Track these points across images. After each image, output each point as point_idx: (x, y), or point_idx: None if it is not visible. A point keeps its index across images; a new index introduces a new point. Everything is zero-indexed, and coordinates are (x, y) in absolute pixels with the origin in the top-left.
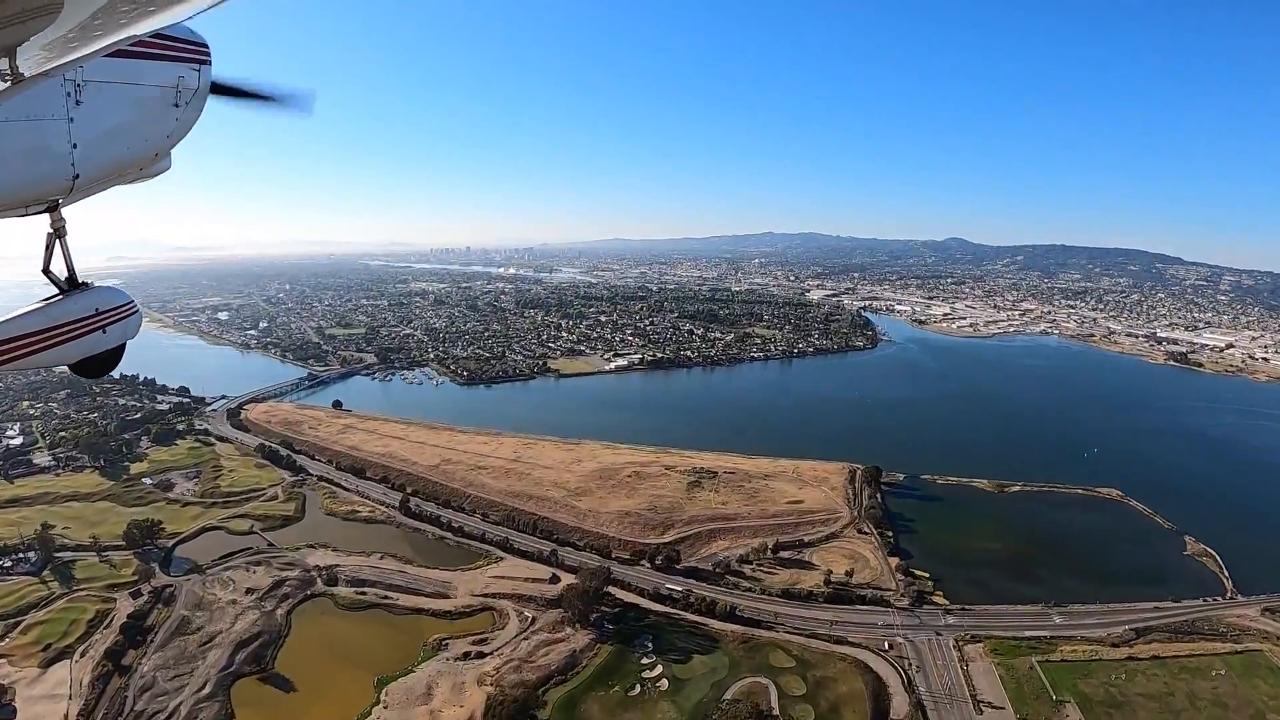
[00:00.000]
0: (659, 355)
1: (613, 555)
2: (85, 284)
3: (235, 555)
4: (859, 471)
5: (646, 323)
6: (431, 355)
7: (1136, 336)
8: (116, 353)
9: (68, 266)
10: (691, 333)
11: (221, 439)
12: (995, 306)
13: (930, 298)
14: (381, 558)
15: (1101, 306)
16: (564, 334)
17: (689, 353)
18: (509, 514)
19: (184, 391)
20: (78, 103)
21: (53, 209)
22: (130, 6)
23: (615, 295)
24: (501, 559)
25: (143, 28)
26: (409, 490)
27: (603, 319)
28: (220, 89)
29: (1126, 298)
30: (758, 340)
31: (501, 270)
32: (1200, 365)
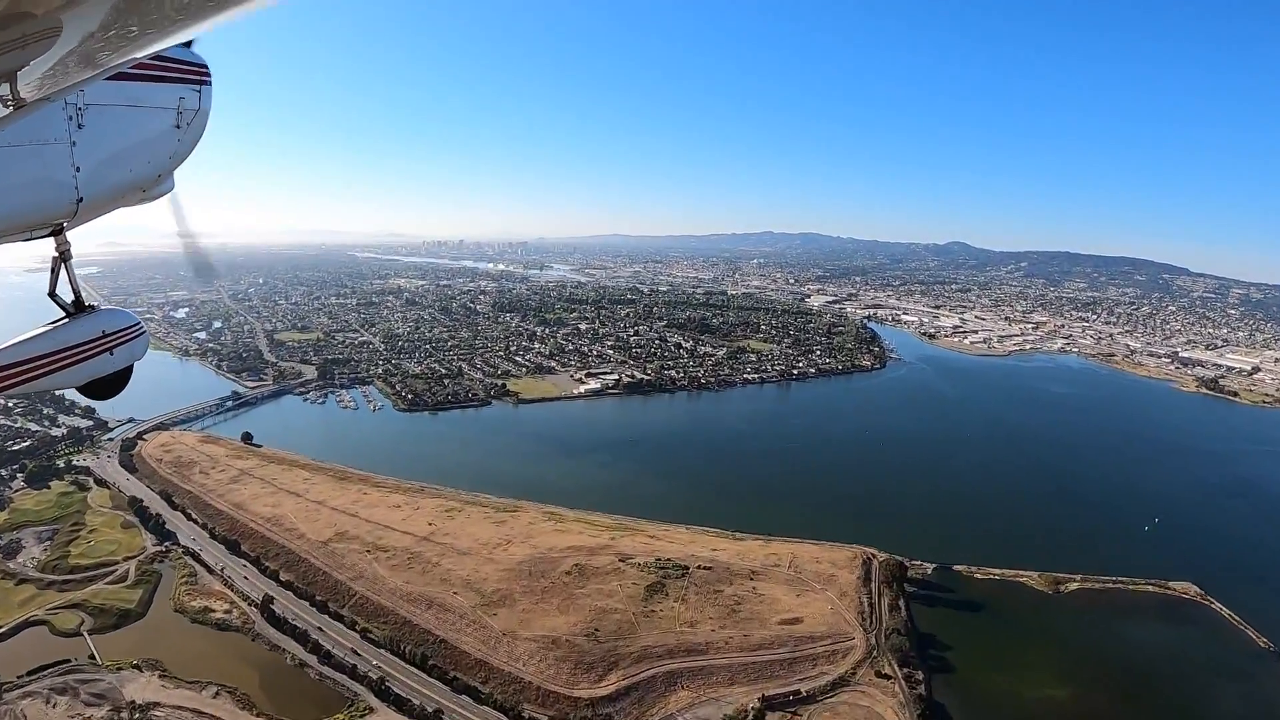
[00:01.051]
0: (638, 376)
1: (525, 716)
2: (92, 306)
3: (44, 672)
4: (876, 563)
5: (631, 332)
6: (380, 370)
7: (1159, 356)
8: (124, 374)
9: (74, 289)
10: (679, 346)
11: (101, 483)
12: (1006, 318)
13: (937, 307)
14: (216, 694)
15: (1114, 320)
16: (536, 345)
17: (674, 372)
18: (398, 630)
19: (89, 413)
20: (80, 126)
21: (57, 233)
22: (130, 30)
23: (602, 298)
24: (369, 712)
25: (143, 50)
26: (281, 579)
27: (583, 327)
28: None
29: (1137, 310)
30: (753, 358)
31: (490, 266)
32: (1235, 394)
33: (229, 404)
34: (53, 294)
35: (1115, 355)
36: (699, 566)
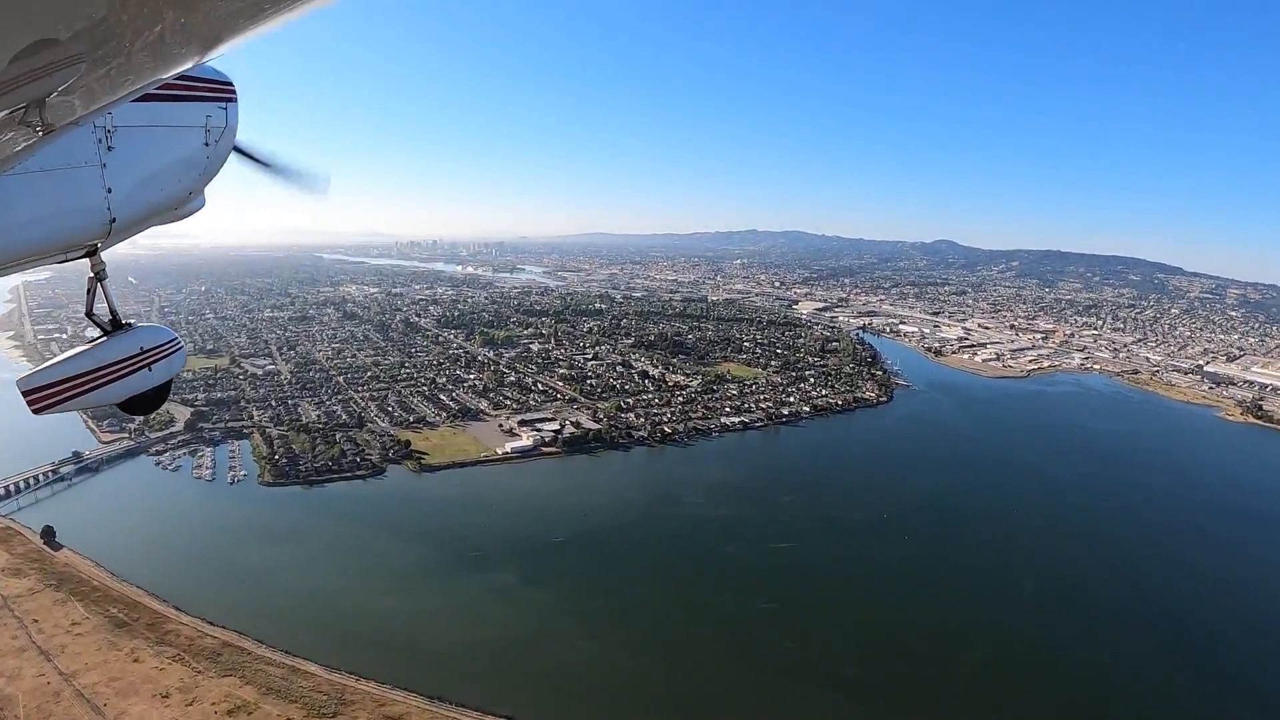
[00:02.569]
0: (585, 426)
1: None
2: (129, 324)
3: None
4: None
5: (590, 354)
6: (269, 415)
7: (1184, 372)
8: (163, 390)
9: (110, 309)
10: (645, 376)
11: None
12: (1011, 326)
13: (935, 313)
14: None
15: (1120, 326)
16: (471, 375)
17: (633, 415)
18: None
19: None
20: (109, 148)
21: (92, 253)
22: (154, 52)
23: (566, 308)
24: None
25: (167, 72)
26: None
27: (535, 347)
28: (242, 152)
29: (1140, 314)
30: (733, 389)
31: (459, 269)
32: None
33: (67, 470)
34: (90, 313)
35: (1140, 373)
36: None
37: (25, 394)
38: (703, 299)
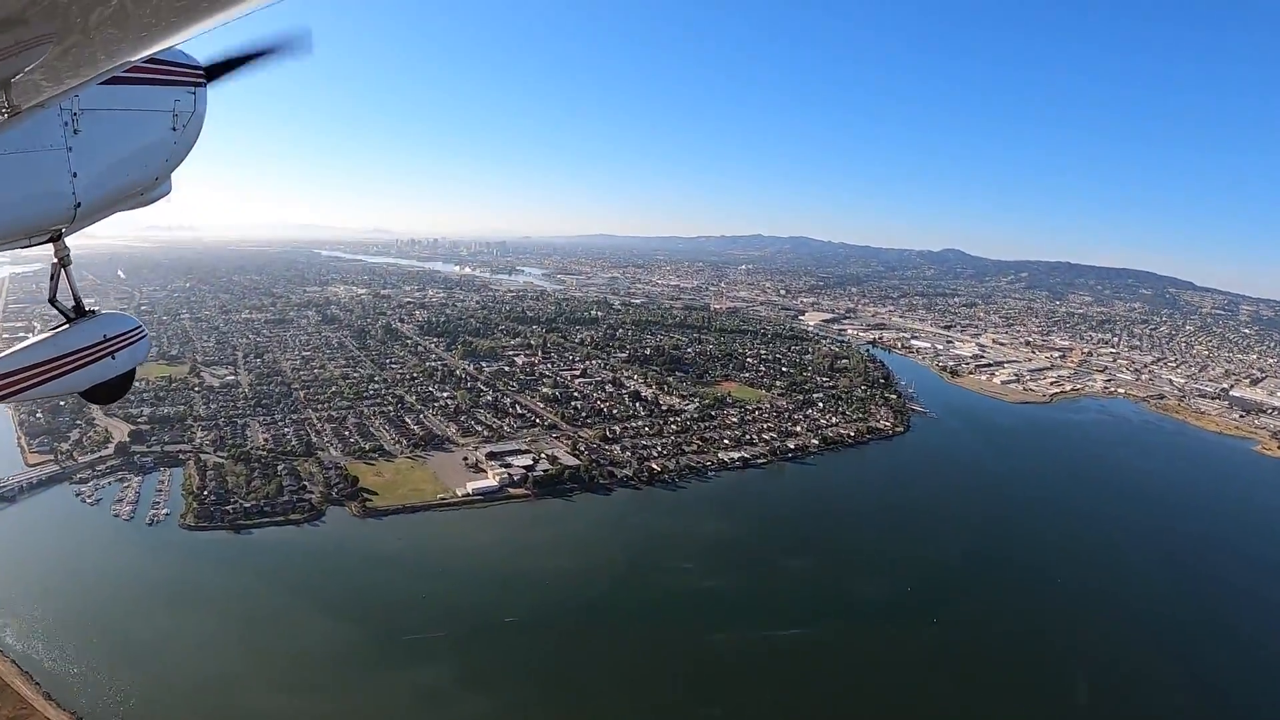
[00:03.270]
0: (561, 463)
1: None
2: (92, 311)
3: None
4: None
5: (579, 370)
6: (212, 436)
7: (1209, 397)
8: (127, 378)
9: (74, 295)
10: (637, 398)
11: None
12: (1026, 343)
13: (947, 327)
14: None
15: (1137, 344)
16: (445, 394)
17: (620, 446)
18: None
19: None
20: (75, 131)
21: (56, 239)
22: (123, 34)
23: (560, 315)
24: None
25: (136, 55)
26: None
27: (520, 360)
28: (219, 69)
29: (1155, 330)
30: (733, 416)
31: (456, 269)
32: None
33: None
34: (53, 300)
35: (1166, 398)
36: None
37: None
38: (705, 307)
